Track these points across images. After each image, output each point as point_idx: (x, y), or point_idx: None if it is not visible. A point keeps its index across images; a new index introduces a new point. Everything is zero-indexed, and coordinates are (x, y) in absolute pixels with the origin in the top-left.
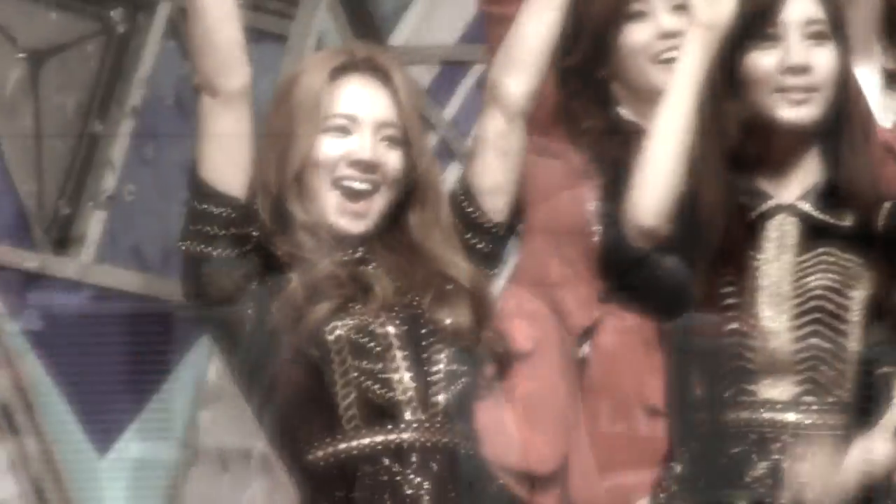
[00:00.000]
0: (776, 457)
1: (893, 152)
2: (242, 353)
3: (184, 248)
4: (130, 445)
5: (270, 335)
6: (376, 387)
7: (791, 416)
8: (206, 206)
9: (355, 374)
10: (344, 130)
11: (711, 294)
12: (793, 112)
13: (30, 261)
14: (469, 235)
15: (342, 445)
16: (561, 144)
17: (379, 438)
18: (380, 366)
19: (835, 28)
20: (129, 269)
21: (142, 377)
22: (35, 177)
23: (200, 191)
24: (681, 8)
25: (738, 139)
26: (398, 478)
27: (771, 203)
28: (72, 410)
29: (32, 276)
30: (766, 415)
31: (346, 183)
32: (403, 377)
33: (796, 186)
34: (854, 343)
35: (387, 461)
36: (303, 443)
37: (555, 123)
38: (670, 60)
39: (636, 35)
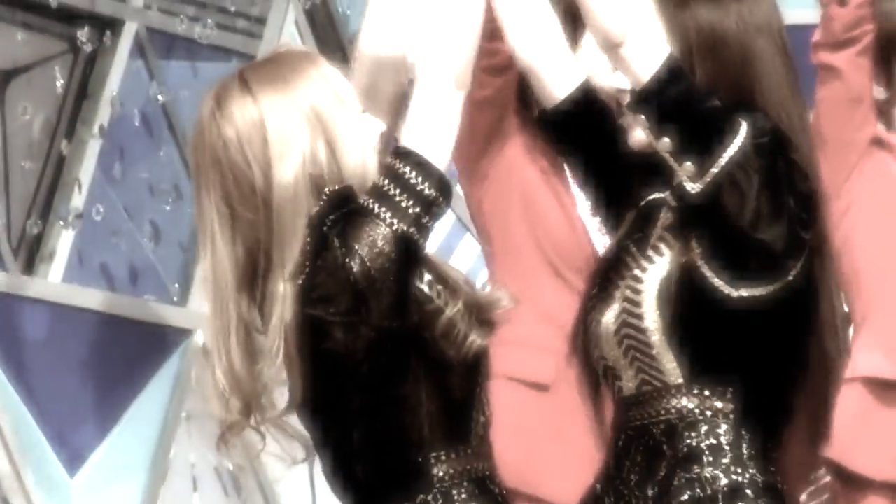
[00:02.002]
0: None
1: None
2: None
3: (419, 239)
4: (101, 465)
5: (416, 343)
6: None
7: None
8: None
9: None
10: None
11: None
12: None
13: None
14: None
15: (472, 462)
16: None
17: None
18: None
19: None
20: (98, 288)
21: (112, 396)
22: (3, 196)
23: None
24: None
25: None
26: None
27: None
28: (42, 430)
29: (2, 296)
30: None
31: None
32: None
33: None
34: None
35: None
36: (424, 456)
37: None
38: None
39: None
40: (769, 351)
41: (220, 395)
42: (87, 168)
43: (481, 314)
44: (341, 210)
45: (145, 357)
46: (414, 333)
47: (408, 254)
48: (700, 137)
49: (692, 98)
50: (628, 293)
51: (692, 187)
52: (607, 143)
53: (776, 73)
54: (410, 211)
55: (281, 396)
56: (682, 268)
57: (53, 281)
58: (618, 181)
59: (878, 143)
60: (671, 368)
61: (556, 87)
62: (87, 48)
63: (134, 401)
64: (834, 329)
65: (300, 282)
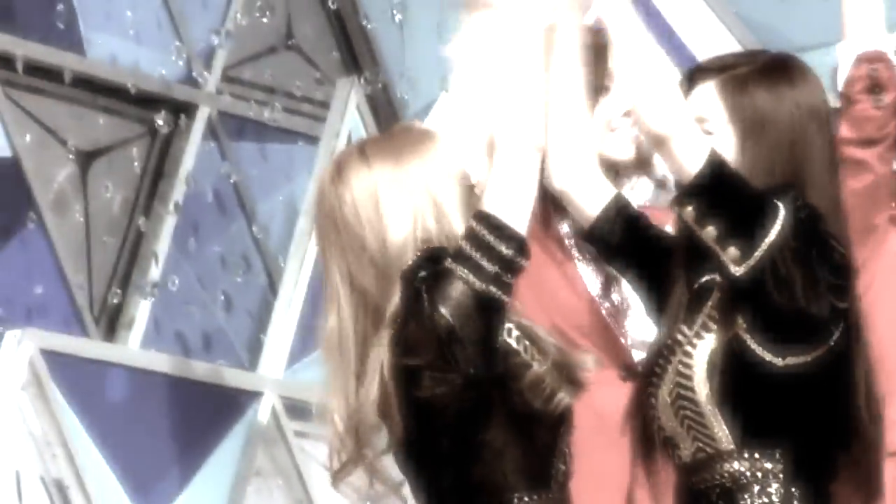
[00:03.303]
0: None
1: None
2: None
3: (499, 295)
4: None
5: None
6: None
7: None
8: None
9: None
10: None
11: None
12: None
13: (82, 347)
14: None
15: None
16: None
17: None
18: None
19: None
20: (174, 354)
21: (187, 455)
22: (85, 269)
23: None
24: None
25: None
26: None
27: None
28: (123, 488)
29: (85, 361)
30: None
31: None
32: None
33: None
34: None
35: None
36: (507, 498)
37: None
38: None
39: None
40: (813, 412)
41: (336, 437)
42: (163, 242)
43: (569, 373)
44: (432, 267)
45: (218, 418)
46: (500, 383)
47: (488, 309)
48: (742, 225)
49: (734, 189)
50: (681, 367)
51: (736, 270)
52: (646, 244)
53: (822, 157)
54: (489, 270)
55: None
56: (729, 342)
57: (132, 347)
58: (661, 270)
59: (894, 221)
60: (723, 436)
61: (590, 206)
62: (164, 131)
63: (207, 459)
64: (867, 393)
65: (393, 331)
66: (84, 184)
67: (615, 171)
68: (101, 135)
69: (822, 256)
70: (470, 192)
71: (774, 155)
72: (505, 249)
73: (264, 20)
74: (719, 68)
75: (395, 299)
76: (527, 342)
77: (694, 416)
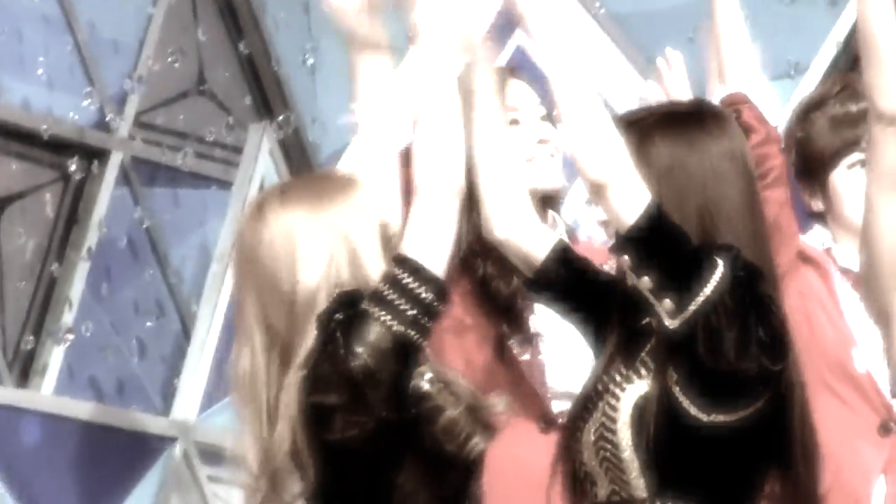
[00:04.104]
0: None
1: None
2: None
3: (416, 338)
4: None
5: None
6: None
7: None
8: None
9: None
10: None
11: None
12: None
13: None
14: None
15: None
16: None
17: None
18: None
19: None
20: (87, 400)
21: (100, 500)
22: None
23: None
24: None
25: None
26: None
27: None
28: None
29: None
30: None
31: None
32: None
33: None
34: None
35: None
36: None
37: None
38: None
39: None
40: (732, 468)
41: (250, 481)
42: (76, 288)
43: (483, 417)
44: (348, 310)
45: (131, 464)
46: (412, 428)
47: (405, 352)
48: (678, 278)
49: (671, 240)
50: (607, 409)
51: (670, 323)
52: (589, 287)
53: (740, 201)
54: (407, 313)
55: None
56: (658, 391)
57: (46, 393)
58: (604, 313)
59: (801, 257)
60: (638, 483)
61: (534, 252)
62: (77, 176)
63: None
64: (803, 450)
65: (306, 373)
66: None
67: (540, 199)
68: (13, 181)
69: (758, 317)
70: (389, 241)
71: (686, 201)
72: (424, 293)
73: (177, 65)
74: (627, 122)
75: (305, 341)
76: (440, 385)
77: (613, 459)
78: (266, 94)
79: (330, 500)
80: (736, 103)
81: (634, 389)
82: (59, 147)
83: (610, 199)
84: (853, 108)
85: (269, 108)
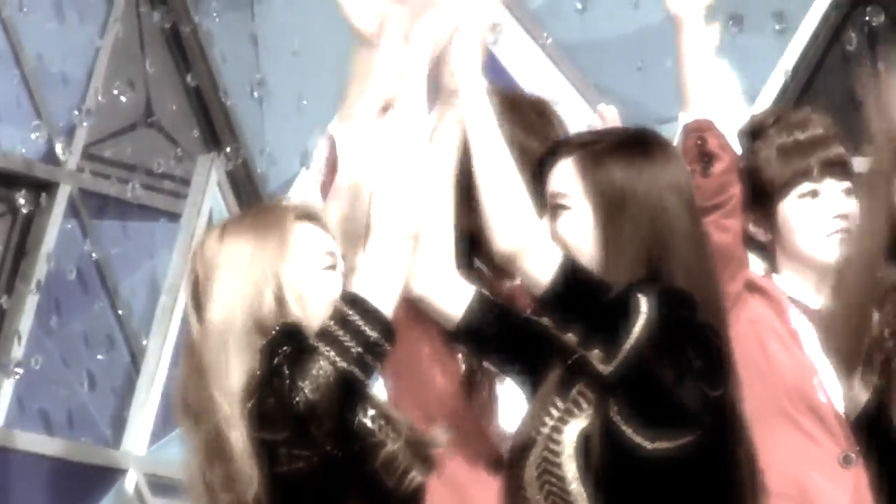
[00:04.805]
0: None
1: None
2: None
3: (361, 376)
4: None
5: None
6: None
7: None
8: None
9: None
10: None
11: None
12: None
13: None
14: None
15: None
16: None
17: None
18: None
19: None
20: (37, 432)
21: None
22: None
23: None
24: None
25: None
26: None
27: None
28: None
29: None
30: None
31: None
32: None
33: None
34: None
35: None
36: None
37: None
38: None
39: None
40: (678, 493)
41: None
42: (25, 321)
43: (421, 451)
44: (292, 344)
45: (82, 496)
46: (355, 462)
47: (349, 389)
48: (602, 328)
49: (589, 294)
50: (550, 444)
51: (604, 370)
52: (516, 333)
53: (685, 230)
54: (353, 351)
55: None
56: (601, 421)
57: None
58: (535, 356)
59: (750, 287)
60: None
61: (451, 308)
62: (25, 209)
63: None
64: (748, 472)
65: (250, 406)
66: None
67: None
68: None
69: (693, 345)
70: (324, 277)
71: (634, 229)
72: (370, 332)
73: (124, 98)
74: (579, 144)
75: (220, 376)
76: (382, 422)
77: (559, 493)
78: (214, 125)
79: None
80: (701, 130)
81: (576, 423)
82: (7, 180)
83: (525, 265)
84: (801, 136)
85: (217, 139)
